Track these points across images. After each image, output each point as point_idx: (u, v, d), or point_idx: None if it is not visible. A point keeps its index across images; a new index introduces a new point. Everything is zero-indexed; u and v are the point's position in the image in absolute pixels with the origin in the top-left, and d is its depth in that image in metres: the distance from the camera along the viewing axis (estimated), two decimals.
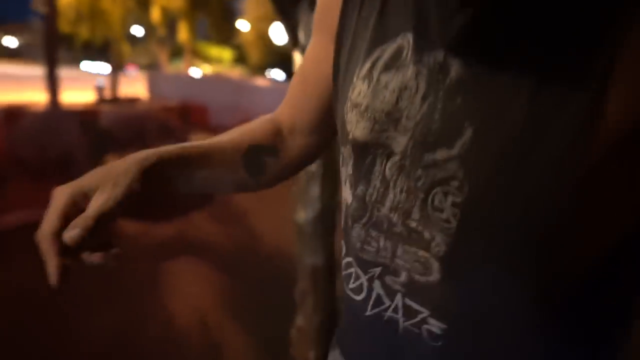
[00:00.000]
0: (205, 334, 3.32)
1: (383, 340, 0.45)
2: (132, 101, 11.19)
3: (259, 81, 12.89)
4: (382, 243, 0.43)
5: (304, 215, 1.21)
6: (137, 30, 20.33)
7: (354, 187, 0.46)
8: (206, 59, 22.08)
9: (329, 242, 1.24)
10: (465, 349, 0.41)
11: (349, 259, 0.48)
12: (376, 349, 0.47)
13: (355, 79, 0.46)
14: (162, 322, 3.34)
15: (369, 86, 0.44)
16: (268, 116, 0.62)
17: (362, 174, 0.45)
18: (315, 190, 1.19)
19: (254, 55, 18.02)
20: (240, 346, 3.09)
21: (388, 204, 0.42)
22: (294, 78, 0.62)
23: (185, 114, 10.60)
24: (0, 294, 3.31)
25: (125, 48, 13.54)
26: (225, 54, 22.65)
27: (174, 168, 0.51)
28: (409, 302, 0.42)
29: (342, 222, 0.50)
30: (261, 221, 5.82)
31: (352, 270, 0.48)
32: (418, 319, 0.42)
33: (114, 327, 3.09)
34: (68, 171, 5.94)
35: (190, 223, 5.57)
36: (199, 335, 3.28)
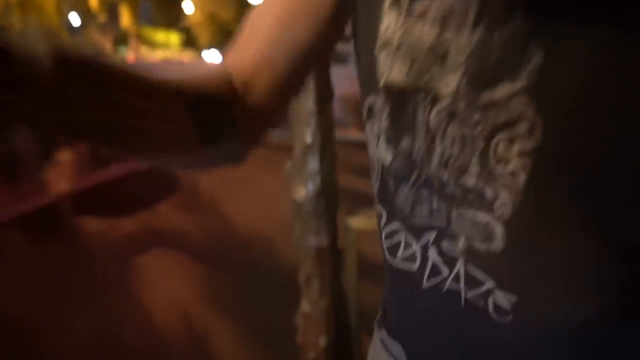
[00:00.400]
0: (189, 327, 3.24)
1: (444, 315, 0.39)
2: None
3: (211, 63, 12.49)
4: (435, 204, 0.37)
5: (303, 192, 1.10)
6: (74, 19, 19.24)
7: (394, 141, 0.38)
8: (153, 45, 21.23)
9: (332, 220, 1.15)
10: (538, 326, 0.35)
11: (395, 226, 0.41)
12: (436, 325, 0.41)
13: (381, 9, 0.37)
14: (142, 319, 3.25)
15: (398, 18, 0.35)
16: (211, 67, 0.46)
17: (405, 125, 0.37)
18: (314, 164, 1.08)
19: (203, 36, 17.41)
20: (229, 337, 3.01)
21: (436, 159, 0.35)
22: (255, 12, 0.46)
23: None
24: None
25: (64, 38, 12.72)
26: (172, 37, 21.83)
27: (98, 80, 0.35)
28: (471, 270, 0.36)
29: (378, 186, 0.42)
30: (231, 206, 5.69)
31: (400, 237, 0.41)
32: (483, 290, 0.36)
33: (92, 330, 2.95)
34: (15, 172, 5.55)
35: (157, 215, 5.36)
36: (182, 330, 3.20)
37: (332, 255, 1.13)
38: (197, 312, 3.54)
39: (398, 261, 0.42)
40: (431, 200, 0.37)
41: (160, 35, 21.53)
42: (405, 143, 0.38)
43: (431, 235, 0.38)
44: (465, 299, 0.37)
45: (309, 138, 1.06)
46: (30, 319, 2.96)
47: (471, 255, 0.36)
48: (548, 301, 0.34)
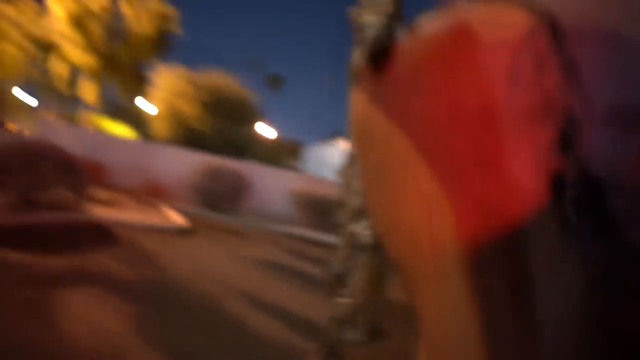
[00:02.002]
0: (117, 357, 2.83)
1: None
2: None
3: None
4: None
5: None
6: (32, 101, 19.12)
7: None
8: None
9: None
10: None
11: None
12: None
13: None
14: (66, 346, 2.82)
15: None
16: None
17: None
18: None
19: (163, 129, 17.45)
20: None
21: None
22: None
23: None
24: None
25: (18, 96, 12.34)
26: (123, 130, 21.80)
27: None
28: None
29: None
30: (173, 264, 5.28)
31: None
32: None
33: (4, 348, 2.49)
34: None
35: (89, 259, 4.84)
36: (110, 358, 2.79)
37: None
38: (125, 345, 3.09)
39: None
40: None
41: (111, 126, 21.45)
42: None
43: None
44: None
45: None
46: None
47: None
48: None
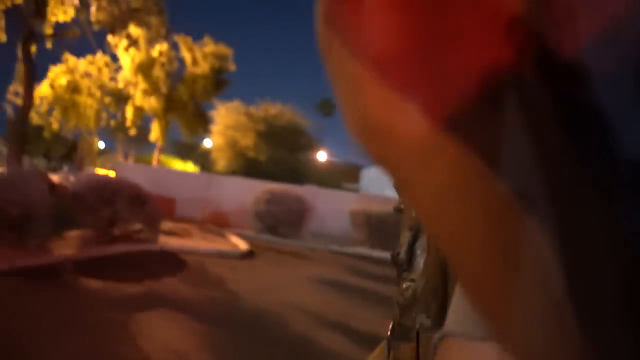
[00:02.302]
0: None
1: None
2: None
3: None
4: None
5: None
6: (106, 144, 20.95)
7: None
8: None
9: None
10: None
11: None
12: None
13: None
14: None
15: None
16: None
17: None
18: None
19: (222, 161, 18.37)
20: None
21: None
22: None
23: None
24: None
25: (94, 144, 13.50)
26: (188, 167, 23.05)
27: None
28: None
29: None
30: (240, 286, 5.47)
31: None
32: None
33: None
34: (27, 230, 5.49)
35: (161, 283, 5.15)
36: None
37: None
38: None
39: None
40: None
41: (177, 164, 22.77)
42: None
43: None
44: None
45: None
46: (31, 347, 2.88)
47: None
48: None
